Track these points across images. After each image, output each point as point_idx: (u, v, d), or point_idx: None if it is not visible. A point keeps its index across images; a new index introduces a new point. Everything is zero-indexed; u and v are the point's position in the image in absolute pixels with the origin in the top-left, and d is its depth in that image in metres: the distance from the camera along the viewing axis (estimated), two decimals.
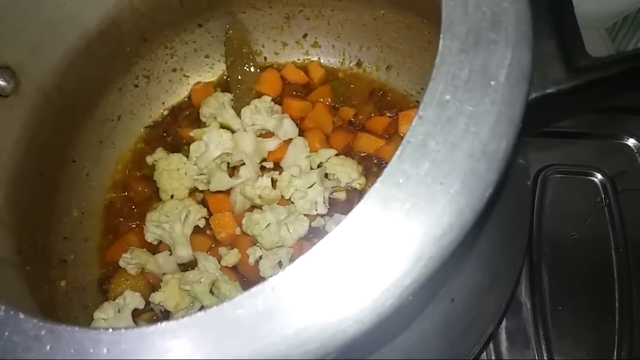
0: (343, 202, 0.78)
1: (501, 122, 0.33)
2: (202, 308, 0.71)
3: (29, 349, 0.34)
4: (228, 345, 0.31)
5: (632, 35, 0.83)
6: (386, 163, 0.71)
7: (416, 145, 0.33)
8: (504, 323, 0.77)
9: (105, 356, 0.32)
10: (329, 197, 0.76)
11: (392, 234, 0.32)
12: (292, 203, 0.74)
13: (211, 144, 0.77)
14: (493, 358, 0.75)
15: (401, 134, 0.81)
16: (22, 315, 0.35)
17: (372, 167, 0.81)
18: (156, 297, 0.71)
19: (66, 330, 0.33)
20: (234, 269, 0.76)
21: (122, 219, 0.83)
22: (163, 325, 0.32)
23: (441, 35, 0.36)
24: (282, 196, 0.75)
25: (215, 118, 0.83)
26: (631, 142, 0.86)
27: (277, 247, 0.73)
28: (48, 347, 0.33)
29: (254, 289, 0.32)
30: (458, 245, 0.32)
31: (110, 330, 0.32)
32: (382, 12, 0.80)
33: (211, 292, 0.72)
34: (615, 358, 0.74)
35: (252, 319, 0.32)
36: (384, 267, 0.32)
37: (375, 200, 0.33)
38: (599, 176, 0.85)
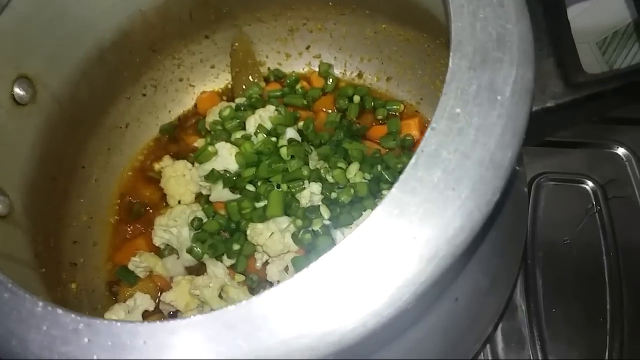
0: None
1: (507, 134, 0.37)
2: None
3: (67, 342, 0.36)
4: (257, 338, 0.34)
5: (621, 49, 0.87)
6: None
7: (429, 154, 0.36)
8: (500, 324, 0.80)
9: (142, 347, 0.35)
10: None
11: (408, 235, 0.35)
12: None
13: (218, 157, 0.80)
14: (490, 358, 0.78)
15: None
16: (60, 310, 0.37)
17: None
18: (167, 297, 0.73)
19: (104, 324, 0.36)
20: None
21: (129, 224, 0.85)
22: (196, 318, 0.35)
23: (451, 54, 0.39)
24: None
25: (221, 128, 0.85)
26: (621, 151, 0.90)
27: (283, 253, 0.76)
28: (86, 340, 0.36)
29: (281, 286, 0.35)
30: (468, 245, 0.35)
31: (147, 323, 0.35)
32: (383, 26, 0.84)
33: (220, 296, 0.74)
34: (607, 358, 0.77)
35: (279, 314, 0.35)
36: (399, 266, 0.35)
37: (392, 205, 0.36)
38: (590, 184, 0.89)
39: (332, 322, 0.35)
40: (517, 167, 0.62)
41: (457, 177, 0.36)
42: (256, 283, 0.77)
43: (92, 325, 0.36)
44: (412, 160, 0.36)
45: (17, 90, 0.64)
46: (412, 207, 0.35)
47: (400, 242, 0.35)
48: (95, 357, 0.36)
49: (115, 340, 0.35)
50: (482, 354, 0.79)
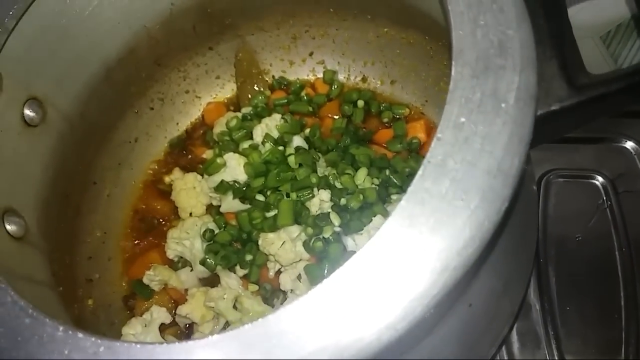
0: None
1: (513, 141, 0.37)
2: (226, 323, 0.75)
3: None
4: (275, 355, 0.34)
5: (625, 42, 0.87)
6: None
7: (436, 165, 0.37)
8: (515, 325, 0.80)
9: None
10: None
11: (419, 247, 0.35)
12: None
13: (227, 168, 0.80)
14: (506, 359, 0.78)
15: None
16: (80, 334, 0.38)
17: None
18: (183, 310, 0.74)
19: (123, 347, 0.36)
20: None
21: (143, 238, 0.86)
22: (213, 338, 0.35)
23: (453, 63, 0.39)
24: None
25: (229, 138, 0.86)
26: (629, 144, 0.90)
27: (295, 261, 0.76)
28: None
29: (296, 302, 0.35)
30: (479, 256, 0.36)
31: (165, 344, 0.35)
32: (385, 29, 0.84)
33: (234, 307, 0.75)
34: (623, 355, 0.77)
35: (296, 331, 0.35)
36: (412, 279, 0.35)
37: (401, 217, 0.36)
38: (600, 179, 0.88)
39: (348, 337, 0.35)
40: (525, 167, 0.62)
41: (465, 186, 0.36)
42: (270, 292, 0.77)
43: (112, 348, 0.37)
44: (419, 172, 0.37)
45: (28, 112, 0.65)
46: (421, 218, 0.36)
47: (411, 254, 0.35)
48: None
49: None
50: (497, 354, 0.78)
